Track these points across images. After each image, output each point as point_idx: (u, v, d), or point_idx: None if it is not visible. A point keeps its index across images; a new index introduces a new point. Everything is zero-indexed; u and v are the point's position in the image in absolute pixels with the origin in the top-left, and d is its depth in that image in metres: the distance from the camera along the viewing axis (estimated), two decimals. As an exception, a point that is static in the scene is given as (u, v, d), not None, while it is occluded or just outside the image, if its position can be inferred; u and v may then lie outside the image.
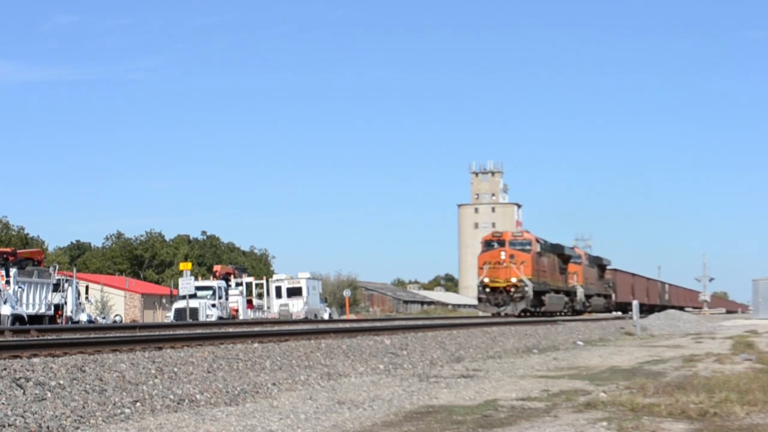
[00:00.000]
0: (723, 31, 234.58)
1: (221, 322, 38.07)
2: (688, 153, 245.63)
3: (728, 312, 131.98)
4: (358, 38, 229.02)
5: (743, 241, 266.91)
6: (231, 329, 21.35)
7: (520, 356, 20.22)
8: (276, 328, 23.11)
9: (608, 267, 67.24)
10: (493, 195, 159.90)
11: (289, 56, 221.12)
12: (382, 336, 20.60)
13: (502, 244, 44.24)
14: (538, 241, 46.34)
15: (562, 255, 51.47)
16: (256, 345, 15.95)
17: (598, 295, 61.43)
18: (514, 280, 42.52)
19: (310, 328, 23.39)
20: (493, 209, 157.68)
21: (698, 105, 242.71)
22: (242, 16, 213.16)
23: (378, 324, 28.37)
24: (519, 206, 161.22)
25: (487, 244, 44.97)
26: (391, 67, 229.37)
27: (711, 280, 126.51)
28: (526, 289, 42.59)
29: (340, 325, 25.72)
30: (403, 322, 31.50)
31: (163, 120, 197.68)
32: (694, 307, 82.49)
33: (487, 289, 43.17)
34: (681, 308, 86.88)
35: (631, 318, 40.91)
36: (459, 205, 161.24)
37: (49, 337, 16.30)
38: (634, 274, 79.08)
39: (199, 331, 20.37)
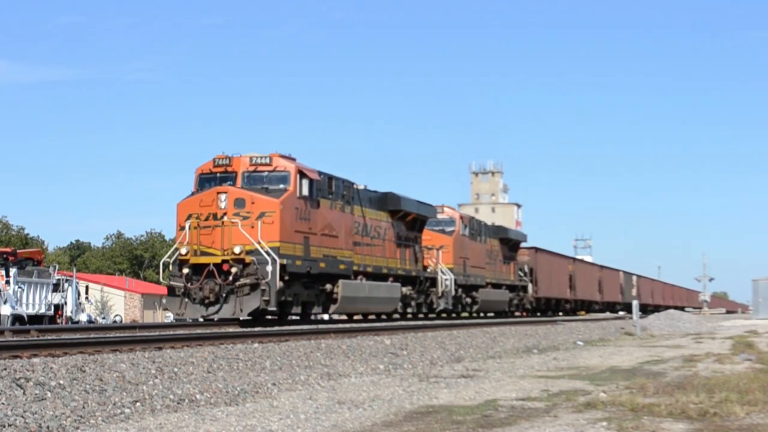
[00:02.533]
0: (723, 31, 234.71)
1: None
2: (689, 153, 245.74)
3: (728, 312, 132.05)
4: (359, 38, 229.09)
5: (743, 241, 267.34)
6: (231, 329, 21.35)
7: (520, 356, 20.22)
8: (276, 328, 23.11)
9: (523, 244, 49.14)
10: (493, 195, 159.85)
11: (291, 56, 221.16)
12: (382, 336, 20.60)
13: (227, 180, 23.46)
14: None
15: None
16: (256, 345, 15.95)
17: (497, 285, 42.73)
18: (238, 250, 22.18)
19: (310, 328, 23.38)
20: (493, 209, 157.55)
21: (698, 105, 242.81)
22: (245, 16, 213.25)
23: (378, 324, 28.36)
24: (519, 206, 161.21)
25: (203, 182, 23.88)
26: (391, 68, 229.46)
27: (711, 280, 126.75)
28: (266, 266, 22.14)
29: (341, 326, 25.71)
30: (403, 322, 31.49)
31: (164, 120, 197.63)
32: (675, 308, 72.72)
33: (186, 270, 22.68)
34: (657, 308, 78.00)
35: (630, 318, 40.96)
36: (459, 205, 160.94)
37: (49, 337, 16.29)
38: (573, 259, 63.37)
39: (199, 331, 20.37)
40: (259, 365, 13.94)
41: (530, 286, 48.72)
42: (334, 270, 25.84)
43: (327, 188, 25.72)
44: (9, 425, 8.28)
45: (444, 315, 36.84)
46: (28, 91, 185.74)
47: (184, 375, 12.06)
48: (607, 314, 66.15)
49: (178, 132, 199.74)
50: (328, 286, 25.85)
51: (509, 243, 46.03)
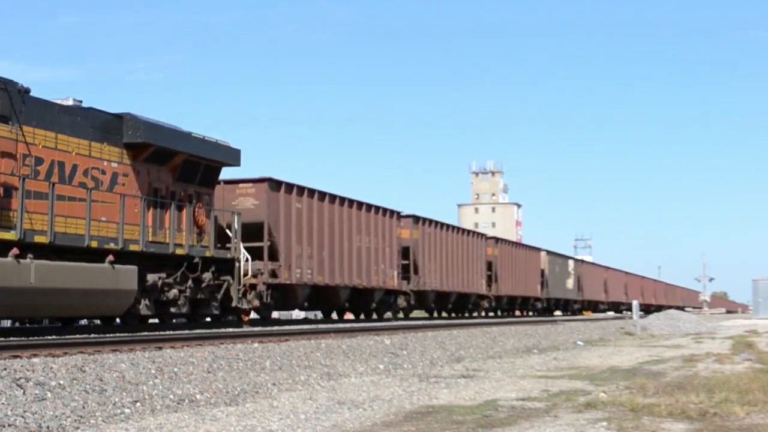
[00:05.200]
0: (723, 31, 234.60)
1: None
2: (689, 153, 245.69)
3: (728, 312, 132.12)
4: (360, 39, 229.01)
5: (743, 241, 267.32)
6: (231, 329, 21.36)
7: (520, 356, 20.22)
8: (276, 328, 23.11)
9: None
10: (493, 195, 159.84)
11: (293, 56, 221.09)
12: (382, 336, 20.61)
13: None
14: None
15: None
16: (256, 345, 15.96)
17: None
18: None
19: (310, 328, 23.38)
20: (493, 209, 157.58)
21: (698, 105, 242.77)
22: (248, 15, 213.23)
23: (378, 324, 28.36)
24: (519, 206, 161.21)
25: None
26: (391, 68, 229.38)
27: (711, 280, 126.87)
28: None
29: (341, 325, 25.72)
30: (403, 322, 31.49)
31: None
32: (614, 307, 68.99)
33: None
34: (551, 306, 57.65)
35: (630, 318, 40.94)
36: (459, 205, 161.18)
37: (49, 337, 16.28)
38: (496, 239, 46.11)
39: (199, 331, 20.37)
40: (259, 365, 13.94)
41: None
42: None
43: None
44: (9, 425, 8.28)
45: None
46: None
47: (184, 375, 12.06)
48: (608, 314, 65.93)
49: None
50: None
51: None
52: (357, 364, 15.65)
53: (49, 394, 9.62)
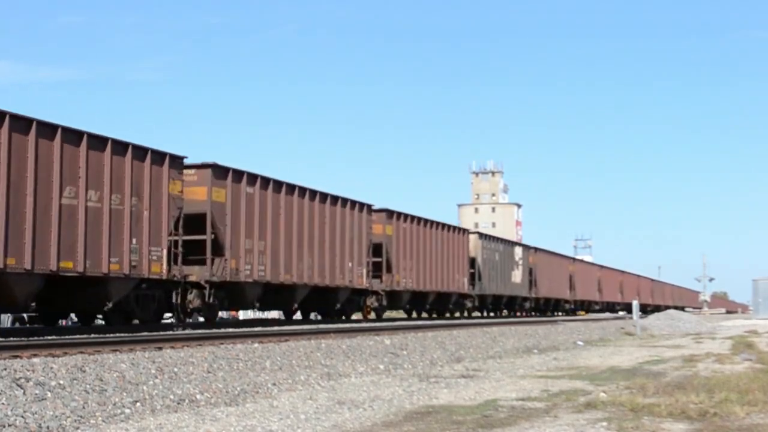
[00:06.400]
0: (723, 31, 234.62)
1: None
2: (689, 153, 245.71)
3: (728, 312, 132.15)
4: (360, 39, 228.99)
5: (743, 241, 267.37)
6: (231, 329, 21.37)
7: (520, 356, 20.22)
8: (276, 328, 23.13)
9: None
10: (493, 195, 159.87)
11: (293, 56, 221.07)
12: (382, 336, 20.63)
13: None
14: None
15: None
16: (256, 345, 15.97)
17: None
18: None
19: (310, 328, 23.40)
20: (493, 209, 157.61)
21: (698, 105, 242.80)
22: (248, 15, 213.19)
23: (378, 324, 28.37)
24: (519, 206, 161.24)
25: None
26: (391, 68, 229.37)
27: (711, 280, 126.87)
28: None
29: (341, 326, 25.72)
30: (403, 322, 31.48)
31: (166, 120, 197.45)
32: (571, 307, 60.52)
33: None
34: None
35: (630, 318, 40.94)
36: (459, 205, 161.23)
37: (49, 337, 16.30)
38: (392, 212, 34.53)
39: (199, 331, 20.39)
40: (259, 365, 13.95)
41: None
42: None
43: None
44: (9, 425, 8.28)
45: None
46: (30, 92, 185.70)
47: (184, 375, 12.06)
48: (607, 314, 65.58)
49: (181, 131, 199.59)
50: None
51: None
52: (357, 364, 15.65)
53: (49, 394, 9.62)
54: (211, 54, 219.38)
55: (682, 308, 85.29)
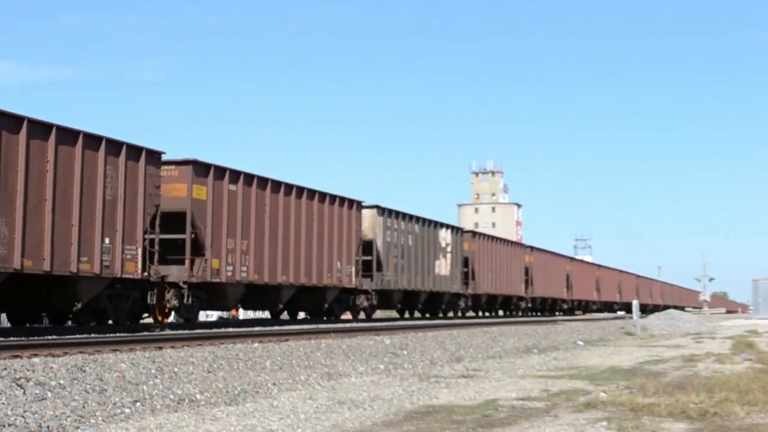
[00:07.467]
0: (723, 31, 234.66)
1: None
2: (689, 153, 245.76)
3: (728, 312, 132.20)
4: (360, 39, 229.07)
5: (743, 241, 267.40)
6: (231, 329, 21.37)
7: (520, 356, 20.22)
8: (276, 328, 23.13)
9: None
10: (493, 195, 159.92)
11: (293, 56, 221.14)
12: (382, 336, 20.64)
13: None
14: None
15: None
16: (256, 345, 15.98)
17: None
18: None
19: (310, 328, 23.40)
20: (493, 209, 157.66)
21: (698, 105, 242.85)
22: (248, 15, 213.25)
23: (378, 324, 28.36)
24: (519, 206, 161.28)
25: None
26: (391, 68, 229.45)
27: (711, 280, 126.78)
28: None
29: (341, 325, 25.72)
30: (403, 322, 31.47)
31: (167, 120, 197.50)
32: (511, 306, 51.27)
33: None
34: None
35: (630, 318, 40.94)
36: (459, 205, 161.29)
37: (49, 337, 16.29)
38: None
39: (199, 331, 20.39)
40: (259, 365, 13.95)
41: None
42: None
43: None
44: (9, 425, 8.28)
45: None
46: (31, 91, 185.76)
47: (184, 375, 12.06)
48: (607, 314, 65.56)
49: (181, 131, 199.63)
50: None
51: None
52: (357, 363, 15.65)
53: (49, 394, 9.62)
54: (211, 54, 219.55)
55: (682, 308, 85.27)
